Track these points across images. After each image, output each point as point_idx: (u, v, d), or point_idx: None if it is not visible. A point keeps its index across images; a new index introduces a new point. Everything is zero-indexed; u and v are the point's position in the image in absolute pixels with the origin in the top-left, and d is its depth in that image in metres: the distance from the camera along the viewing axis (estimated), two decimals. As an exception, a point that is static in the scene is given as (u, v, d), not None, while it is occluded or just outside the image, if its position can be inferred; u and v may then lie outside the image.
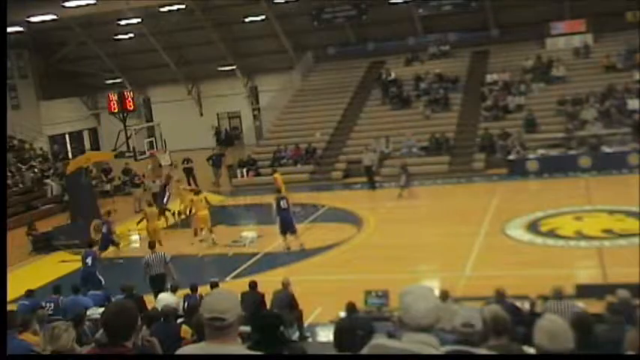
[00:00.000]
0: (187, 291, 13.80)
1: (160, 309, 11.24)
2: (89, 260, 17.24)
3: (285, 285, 13.24)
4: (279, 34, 39.66)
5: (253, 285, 13.03)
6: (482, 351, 4.59)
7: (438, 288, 14.01)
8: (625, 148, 26.87)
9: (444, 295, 12.01)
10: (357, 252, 19.38)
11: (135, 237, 24.02)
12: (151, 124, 40.67)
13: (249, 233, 22.94)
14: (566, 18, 35.62)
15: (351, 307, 10.90)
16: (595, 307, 9.94)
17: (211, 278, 14.56)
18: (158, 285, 15.21)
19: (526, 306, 11.11)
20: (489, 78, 34.19)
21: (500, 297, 10.60)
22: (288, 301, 12.79)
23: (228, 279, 17.44)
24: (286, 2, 36.22)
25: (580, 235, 18.40)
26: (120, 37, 40.14)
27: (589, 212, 20.33)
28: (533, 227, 19.57)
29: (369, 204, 25.20)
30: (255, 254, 19.81)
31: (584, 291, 12.22)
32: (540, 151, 27.95)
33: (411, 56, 37.65)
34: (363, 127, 33.72)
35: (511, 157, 28.12)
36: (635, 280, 12.31)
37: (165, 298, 13.20)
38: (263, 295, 12.80)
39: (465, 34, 37.30)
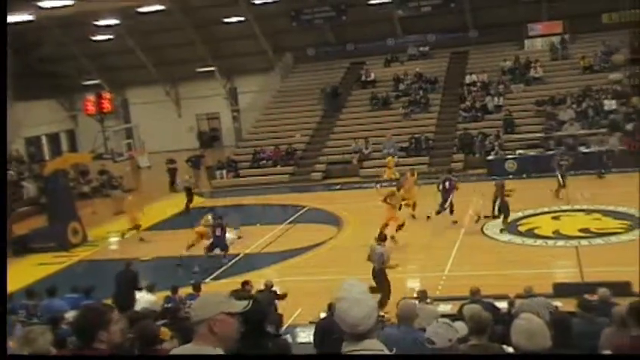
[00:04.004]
0: (167, 292, 13.73)
1: (139, 309, 11.15)
2: None
3: (268, 286, 13.27)
4: (258, 35, 39.57)
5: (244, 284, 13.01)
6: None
7: (418, 287, 14.12)
8: (602, 148, 27.14)
9: (423, 295, 12.08)
10: (338, 252, 19.39)
11: (114, 239, 23.84)
12: (129, 125, 40.46)
13: (229, 235, 22.84)
14: (544, 19, 35.94)
15: (332, 308, 10.88)
16: (572, 305, 9.99)
17: (191, 280, 14.50)
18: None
19: (505, 305, 11.16)
20: (468, 79, 34.40)
21: (474, 296, 10.65)
22: (270, 301, 12.80)
23: (208, 280, 17.37)
24: (265, 3, 36.14)
25: (558, 235, 18.55)
26: (98, 38, 39.83)
27: (567, 212, 20.50)
28: (512, 227, 19.68)
29: (349, 205, 25.19)
30: (235, 255, 19.74)
31: (562, 290, 12.31)
32: (519, 152, 28.15)
33: (390, 57, 37.77)
34: (343, 128, 33.76)
35: (490, 157, 28.30)
36: (610, 279, 12.46)
37: (145, 299, 13.10)
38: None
39: (444, 36, 37.49)
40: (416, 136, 31.00)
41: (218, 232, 19.29)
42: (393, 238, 18.47)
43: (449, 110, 33.17)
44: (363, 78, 36.56)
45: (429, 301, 12.09)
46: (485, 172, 27.65)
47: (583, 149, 27.52)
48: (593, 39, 34.68)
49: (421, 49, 37.63)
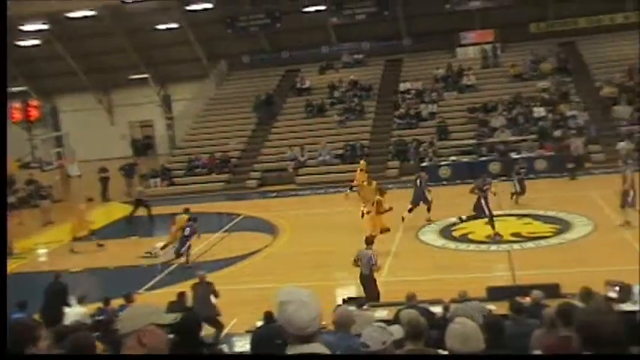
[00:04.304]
0: (99, 305, 13.35)
1: (68, 323, 10.79)
2: None
3: (202, 279, 13.62)
4: (192, 42, 39.18)
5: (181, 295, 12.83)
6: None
7: (354, 295, 14.10)
8: (532, 154, 27.82)
9: (359, 302, 12.07)
10: (274, 260, 19.26)
11: (42, 251, 23.12)
12: (58, 133, 39.39)
13: (162, 244, 22.47)
14: (476, 28, 36.67)
15: (268, 316, 10.75)
16: (505, 308, 10.14)
17: (124, 291, 14.13)
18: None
19: (440, 310, 11.24)
20: (402, 86, 34.79)
21: (410, 301, 10.71)
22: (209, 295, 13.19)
23: (141, 291, 17.00)
24: (200, 10, 35.82)
25: (491, 240, 18.84)
26: (24, 43, 38.65)
27: (499, 217, 20.82)
28: (446, 232, 19.92)
29: (285, 212, 25.10)
30: (170, 265, 19.40)
31: (495, 293, 12.47)
32: (452, 158, 28.59)
33: (325, 65, 37.90)
34: (278, 136, 33.67)
35: (424, 164, 28.61)
36: (540, 281, 12.70)
37: (75, 312, 12.69)
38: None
39: (378, 43, 37.88)
40: (351, 143, 31.16)
41: (187, 232, 19.26)
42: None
43: (383, 117, 33.48)
44: (298, 85, 36.58)
45: (365, 307, 12.08)
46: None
47: (514, 155, 28.14)
48: (522, 48, 35.59)
49: (356, 56, 37.90)
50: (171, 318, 3.53)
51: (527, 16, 35.85)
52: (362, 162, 26.92)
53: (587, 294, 10.23)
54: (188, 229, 19.34)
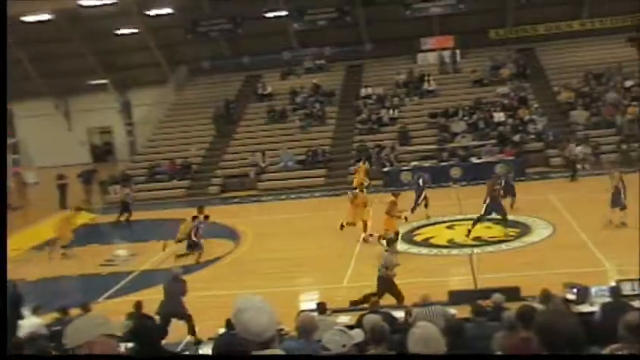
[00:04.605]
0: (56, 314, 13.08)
1: (23, 336, 10.55)
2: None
3: (176, 276, 13.73)
4: (152, 47, 38.81)
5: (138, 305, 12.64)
6: None
7: (317, 300, 14.03)
8: (492, 159, 28.12)
9: (322, 308, 12.01)
10: (236, 267, 19.11)
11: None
12: (14, 140, 38.65)
13: (123, 251, 22.18)
14: (436, 34, 36.99)
15: (230, 324, 10.65)
16: (467, 311, 10.19)
17: (83, 300, 13.89)
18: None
19: (402, 314, 11.25)
20: (364, 92, 34.91)
21: (373, 306, 10.71)
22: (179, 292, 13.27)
23: (101, 300, 16.72)
24: (160, 15, 35.51)
25: (452, 244, 18.98)
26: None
27: (460, 221, 20.99)
28: (408, 237, 19.99)
29: (248, 218, 24.95)
30: (130, 272, 19.13)
31: (457, 297, 12.54)
32: (414, 163, 28.74)
33: (286, 70, 37.87)
34: (240, 142, 33.51)
35: (386, 169, 28.74)
36: (501, 284, 12.81)
37: (30, 323, 12.41)
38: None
39: (339, 49, 38.00)
40: (313, 148, 31.16)
41: (194, 232, 19.79)
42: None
43: (345, 123, 33.55)
44: (260, 91, 36.48)
45: (328, 313, 12.03)
46: (381, 183, 28.07)
47: (474, 160, 28.45)
48: (482, 54, 36.02)
49: (317, 62, 37.97)
50: (121, 328, 3.51)
51: (487, 23, 36.35)
52: (361, 164, 26.99)
53: (546, 296, 10.36)
54: (202, 225, 20.06)
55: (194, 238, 19.86)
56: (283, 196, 28.38)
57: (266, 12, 36.45)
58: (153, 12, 35.36)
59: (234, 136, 34.09)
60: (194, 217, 20.53)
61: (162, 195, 30.15)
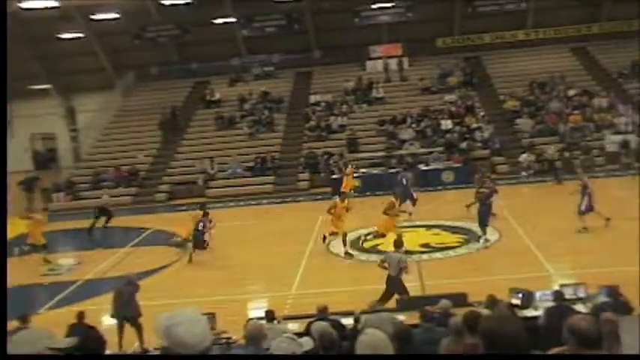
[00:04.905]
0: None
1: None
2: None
3: (131, 281, 13.63)
4: (98, 52, 38.14)
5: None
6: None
7: (265, 308, 13.90)
8: (439, 166, 28.42)
9: (270, 316, 11.91)
10: (183, 275, 18.84)
11: None
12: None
13: (66, 260, 21.67)
14: (384, 42, 37.27)
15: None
16: (415, 317, 10.22)
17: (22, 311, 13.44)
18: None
19: (351, 321, 11.22)
20: (313, 99, 34.97)
21: (322, 313, 10.67)
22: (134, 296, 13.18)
23: (42, 310, 16.27)
24: (105, 20, 34.91)
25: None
26: None
27: (408, 228, 21.10)
28: (357, 244, 20.00)
29: (191, 227, 24.59)
30: (74, 282, 18.68)
31: (405, 303, 12.57)
32: (362, 170, 28.82)
33: (235, 77, 37.66)
34: (188, 148, 33.16)
35: (335, 176, 28.74)
36: (449, 291, 12.90)
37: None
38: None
39: (288, 56, 37.96)
40: (261, 155, 31.02)
41: (200, 227, 19.71)
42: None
43: (294, 130, 33.52)
44: (208, 97, 36.20)
45: (276, 321, 11.94)
46: (330, 190, 28.08)
47: (422, 167, 28.70)
48: (429, 62, 36.43)
49: (266, 69, 37.87)
50: (67, 342, 3.44)
51: (434, 31, 36.80)
52: (349, 168, 26.76)
53: (492, 302, 10.47)
54: (201, 223, 19.89)
55: (202, 237, 19.93)
56: (232, 204, 28.16)
57: (214, 18, 36.21)
58: (98, 16, 34.74)
59: (181, 142, 33.72)
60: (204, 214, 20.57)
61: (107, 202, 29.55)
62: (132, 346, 12.95)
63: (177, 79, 38.27)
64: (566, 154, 29.06)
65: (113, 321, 13.32)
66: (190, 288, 17.27)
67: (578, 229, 18.74)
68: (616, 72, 34.57)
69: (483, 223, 18.76)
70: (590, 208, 18.86)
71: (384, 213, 18.99)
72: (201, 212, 20.69)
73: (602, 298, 11.54)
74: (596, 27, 36.50)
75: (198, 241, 19.70)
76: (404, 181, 23.18)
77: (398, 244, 14.45)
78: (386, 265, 14.11)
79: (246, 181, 29.93)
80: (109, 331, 12.45)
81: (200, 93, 37.06)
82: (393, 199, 19.38)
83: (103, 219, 25.09)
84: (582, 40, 36.58)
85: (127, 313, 13.16)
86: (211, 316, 12.16)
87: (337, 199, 19.81)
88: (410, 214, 21.51)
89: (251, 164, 30.82)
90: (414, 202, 22.44)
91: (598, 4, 35.66)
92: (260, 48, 38.21)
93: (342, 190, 23.91)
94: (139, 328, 13.07)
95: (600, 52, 36.07)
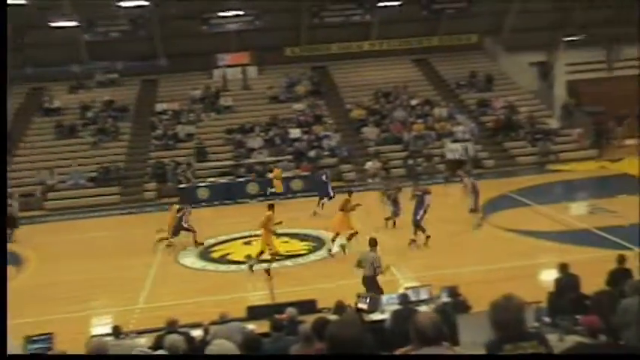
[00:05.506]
0: None
1: None
2: None
3: None
4: None
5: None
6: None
7: (112, 324, 13.30)
8: (288, 174, 28.60)
9: (117, 331, 11.43)
10: (18, 296, 17.62)
11: None
12: None
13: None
14: (232, 50, 37.05)
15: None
16: (266, 326, 10.15)
17: None
18: None
19: (200, 333, 11.00)
20: (159, 107, 34.16)
21: (171, 326, 10.37)
22: None
23: None
24: None
25: (250, 259, 18.89)
26: None
27: (258, 237, 21.02)
28: (205, 254, 19.68)
29: (32, 241, 23.23)
30: None
31: (255, 312, 12.47)
32: (210, 179, 28.50)
33: (76, 84, 35.99)
34: (25, 158, 31.29)
35: (182, 185, 28.24)
36: (299, 298, 12.95)
37: None
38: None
39: (133, 63, 36.75)
40: (105, 165, 29.85)
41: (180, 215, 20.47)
42: None
43: (140, 139, 32.57)
44: (47, 105, 34.35)
45: (122, 336, 11.46)
46: (177, 200, 27.54)
47: (270, 175, 28.77)
48: (279, 70, 36.65)
49: (110, 76, 36.45)
50: None
51: (283, 40, 37.08)
52: (276, 170, 27.18)
53: (339, 307, 10.59)
54: (180, 214, 20.56)
55: (185, 225, 20.45)
56: (73, 216, 26.87)
57: (53, 21, 34.37)
58: None
59: (17, 152, 31.71)
60: (179, 210, 20.90)
61: None
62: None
63: (11, 84, 35.96)
64: (410, 162, 30.22)
65: None
66: (26, 308, 16.18)
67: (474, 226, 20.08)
68: (454, 82, 36.47)
69: (416, 224, 18.97)
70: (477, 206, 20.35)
71: (340, 210, 18.89)
72: (176, 207, 21.23)
73: (444, 299, 12.03)
74: (436, 40, 38.31)
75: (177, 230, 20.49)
76: (324, 178, 24.07)
77: (372, 243, 14.38)
78: (362, 265, 13.94)
79: (90, 192, 28.67)
80: None
81: (37, 100, 35.08)
82: (348, 197, 19.36)
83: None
84: (424, 52, 38.28)
85: None
86: (47, 337, 11.49)
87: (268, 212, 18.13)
88: (314, 213, 22.57)
89: (94, 174, 29.54)
90: (329, 198, 23.37)
91: (438, 18, 37.46)
92: (104, 54, 36.71)
93: (275, 190, 26.00)
94: None
95: (440, 64, 37.93)
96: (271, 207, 18.29)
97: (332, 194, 23.58)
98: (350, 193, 20.11)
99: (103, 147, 31.67)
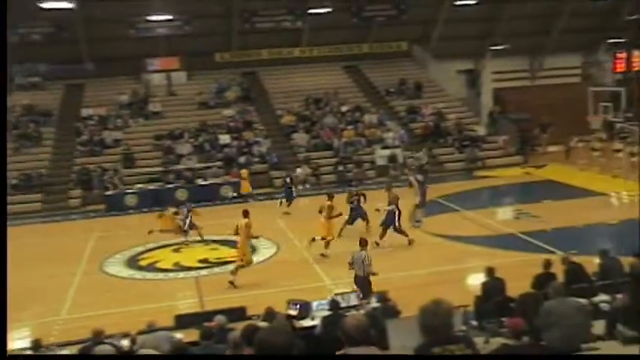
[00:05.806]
0: None
1: None
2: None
3: None
4: None
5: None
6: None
7: (32, 337, 12.81)
8: (218, 181, 28.35)
9: (37, 345, 11.03)
10: None
11: None
12: None
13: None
14: (161, 55, 36.42)
15: None
16: (196, 335, 9.98)
17: None
18: None
19: (127, 343, 10.75)
20: (85, 112, 33.30)
21: (97, 337, 10.08)
22: None
23: None
24: None
25: (179, 267, 18.65)
26: None
27: (186, 244, 20.75)
28: (132, 262, 19.28)
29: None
30: None
31: (183, 320, 12.24)
32: (138, 186, 27.95)
33: (-5, 87, 34.70)
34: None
35: (109, 192, 27.61)
36: (229, 305, 12.82)
37: None
38: None
39: (57, 66, 35.61)
40: (27, 172, 28.88)
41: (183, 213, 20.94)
42: None
43: (64, 144, 31.67)
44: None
45: (43, 349, 11.07)
46: (104, 207, 26.96)
47: (200, 182, 28.48)
48: (208, 76, 36.28)
49: (31, 79, 35.23)
50: None
51: (212, 46, 36.72)
52: (243, 170, 27.65)
53: (269, 314, 10.52)
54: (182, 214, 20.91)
55: (186, 226, 20.74)
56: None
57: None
58: None
59: None
60: (175, 213, 21.05)
61: None
62: None
63: None
64: (340, 168, 30.36)
65: None
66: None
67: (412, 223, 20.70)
68: (384, 89, 36.88)
69: (393, 228, 19.15)
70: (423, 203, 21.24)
71: (325, 217, 18.78)
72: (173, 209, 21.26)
73: (374, 304, 12.09)
74: (367, 47, 38.66)
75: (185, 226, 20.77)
76: (288, 180, 25.22)
77: (363, 242, 14.23)
78: (353, 265, 13.84)
79: (10, 199, 27.64)
80: None
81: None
82: (330, 203, 19.12)
83: None
84: (354, 59, 38.56)
85: None
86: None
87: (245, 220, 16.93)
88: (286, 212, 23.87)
89: (15, 182, 28.51)
90: (290, 201, 24.60)
91: (368, 26, 37.82)
92: (25, 56, 35.40)
93: (243, 192, 26.91)
94: None
95: (370, 71, 38.30)
96: (246, 214, 16.92)
97: (294, 196, 25.09)
98: (331, 196, 19.55)
99: (24, 153, 30.61)
